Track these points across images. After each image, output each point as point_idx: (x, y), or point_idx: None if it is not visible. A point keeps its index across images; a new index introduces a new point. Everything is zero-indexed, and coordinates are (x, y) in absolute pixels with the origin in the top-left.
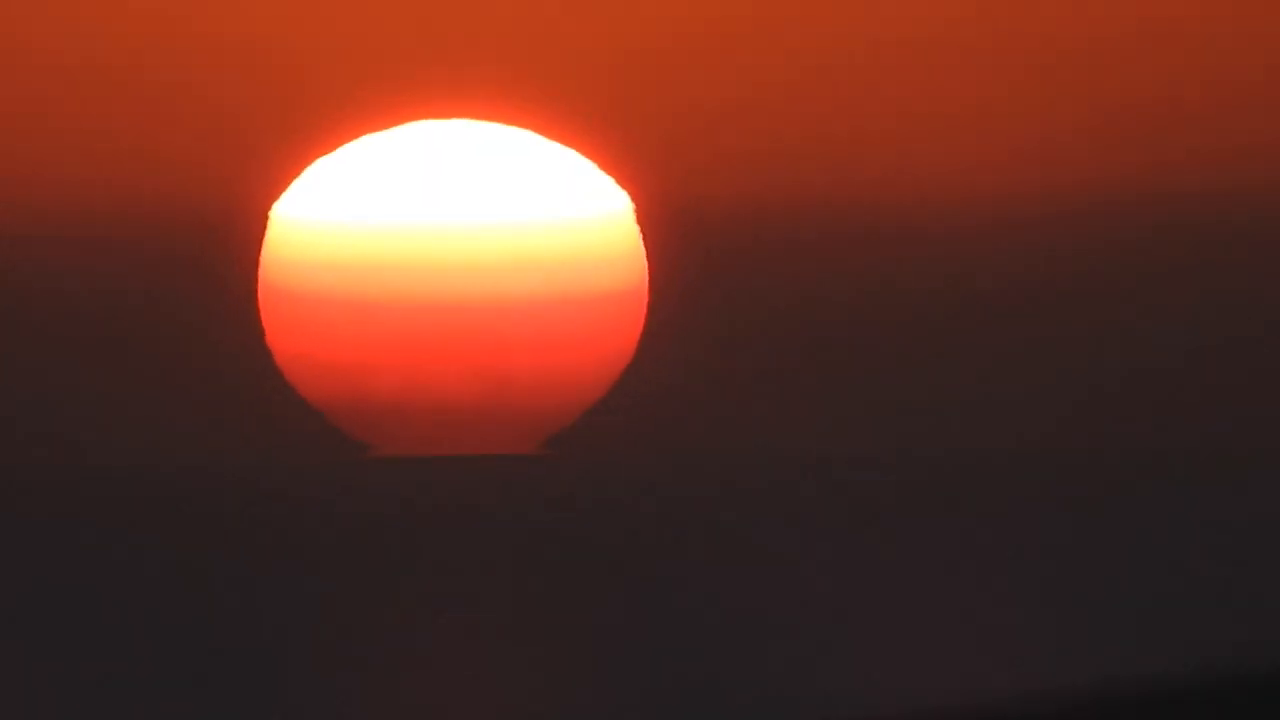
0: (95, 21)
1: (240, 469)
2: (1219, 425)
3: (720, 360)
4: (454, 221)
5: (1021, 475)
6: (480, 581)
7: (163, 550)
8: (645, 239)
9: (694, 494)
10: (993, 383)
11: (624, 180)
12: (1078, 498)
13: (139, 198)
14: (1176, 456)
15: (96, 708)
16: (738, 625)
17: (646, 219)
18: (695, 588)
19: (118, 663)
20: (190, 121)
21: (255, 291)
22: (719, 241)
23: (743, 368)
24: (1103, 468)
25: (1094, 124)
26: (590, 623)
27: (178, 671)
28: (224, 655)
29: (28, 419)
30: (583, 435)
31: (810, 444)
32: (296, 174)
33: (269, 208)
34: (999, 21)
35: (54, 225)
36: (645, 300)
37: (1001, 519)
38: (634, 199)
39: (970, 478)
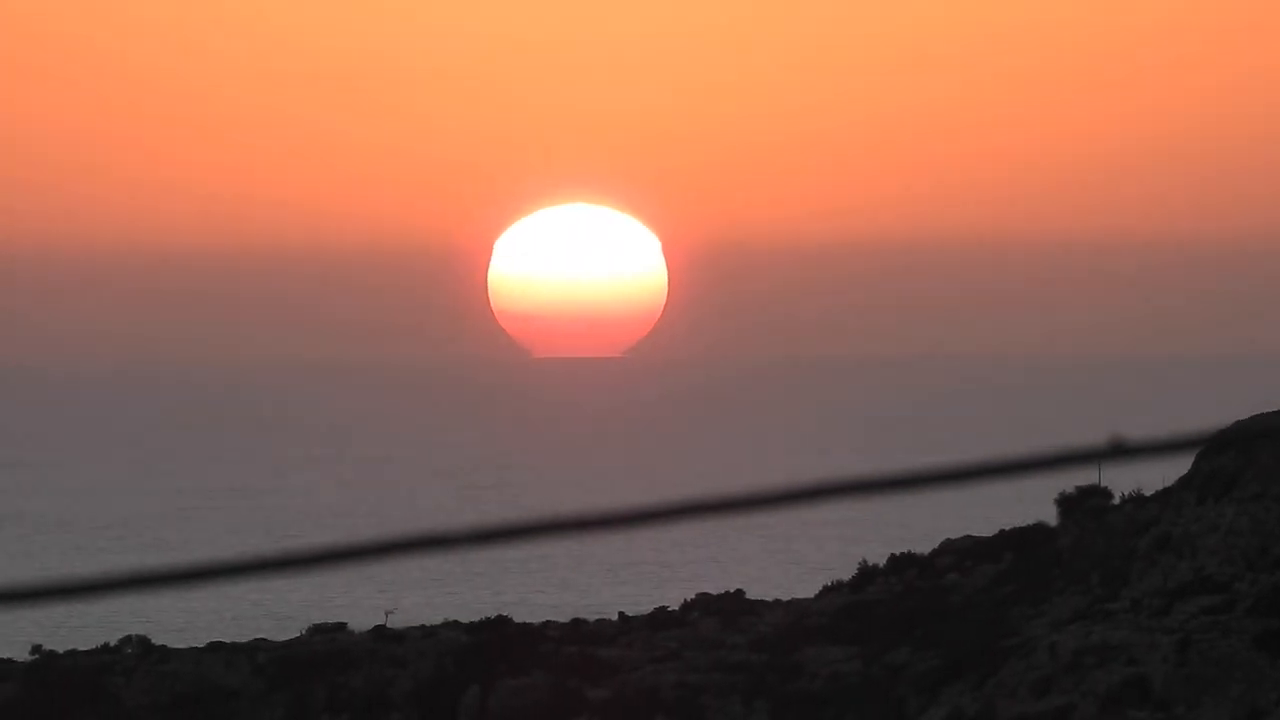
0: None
1: (474, 361)
2: None
3: (697, 340)
4: (566, 274)
5: None
6: (587, 403)
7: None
8: (669, 265)
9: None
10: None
11: (658, 228)
12: None
13: (428, 224)
14: None
15: None
16: None
17: (670, 253)
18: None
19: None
20: (455, 180)
21: (486, 281)
22: (714, 268)
23: (712, 340)
24: None
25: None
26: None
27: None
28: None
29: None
30: (626, 355)
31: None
32: (507, 220)
33: (494, 239)
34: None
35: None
36: (662, 305)
37: None
38: (663, 240)
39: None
